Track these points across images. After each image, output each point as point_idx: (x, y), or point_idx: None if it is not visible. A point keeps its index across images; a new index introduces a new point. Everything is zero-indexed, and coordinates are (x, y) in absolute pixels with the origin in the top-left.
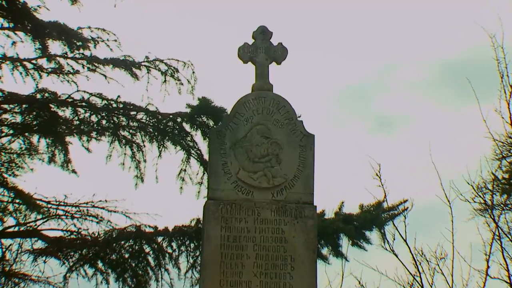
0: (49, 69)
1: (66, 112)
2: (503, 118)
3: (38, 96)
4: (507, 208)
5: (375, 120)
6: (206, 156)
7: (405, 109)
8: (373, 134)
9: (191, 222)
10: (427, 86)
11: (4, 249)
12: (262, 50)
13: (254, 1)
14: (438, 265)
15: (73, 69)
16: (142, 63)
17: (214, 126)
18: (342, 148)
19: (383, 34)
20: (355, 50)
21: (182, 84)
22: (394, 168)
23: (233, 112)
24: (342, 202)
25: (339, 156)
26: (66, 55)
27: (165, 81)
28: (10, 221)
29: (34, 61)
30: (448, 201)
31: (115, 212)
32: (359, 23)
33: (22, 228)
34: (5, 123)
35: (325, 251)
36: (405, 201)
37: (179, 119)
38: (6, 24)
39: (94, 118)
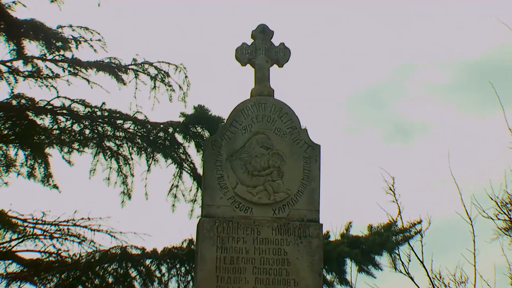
0: (26, 73)
1: (45, 121)
2: None
3: (14, 102)
4: None
5: (389, 127)
6: (200, 170)
7: (423, 115)
8: (387, 143)
9: (182, 243)
10: (447, 90)
11: None
12: (262, 51)
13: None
14: None
15: (52, 72)
16: (129, 67)
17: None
18: (351, 159)
19: (398, 31)
20: (367, 49)
21: (173, 90)
22: (410, 181)
23: (230, 120)
24: (350, 223)
25: (348, 169)
26: (44, 57)
27: (154, 87)
28: None
29: (8, 64)
30: (470, 218)
31: (98, 231)
32: (371, 20)
33: None
34: None
35: (329, 277)
36: (419, 222)
37: (170, 129)
38: None
39: (76, 128)
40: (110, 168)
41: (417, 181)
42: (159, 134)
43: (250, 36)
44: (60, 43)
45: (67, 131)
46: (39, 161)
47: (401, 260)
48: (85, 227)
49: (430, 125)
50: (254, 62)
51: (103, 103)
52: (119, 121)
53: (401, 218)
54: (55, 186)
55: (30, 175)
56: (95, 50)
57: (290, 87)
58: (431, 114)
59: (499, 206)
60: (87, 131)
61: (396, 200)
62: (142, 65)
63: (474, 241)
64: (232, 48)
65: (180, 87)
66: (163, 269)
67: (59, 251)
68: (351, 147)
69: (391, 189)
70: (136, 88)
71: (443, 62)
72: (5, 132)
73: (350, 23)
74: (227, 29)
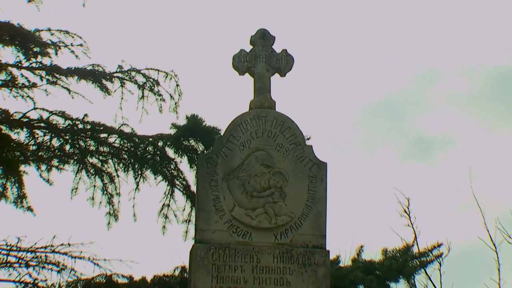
0: None
1: (21, 135)
2: None
3: None
4: None
5: (407, 143)
6: (194, 188)
7: (444, 129)
8: (404, 160)
9: (174, 270)
10: (473, 100)
11: None
12: (263, 59)
13: (252, 0)
14: None
15: (29, 81)
16: (115, 74)
17: (204, 152)
18: (362, 178)
19: (418, 35)
20: (383, 55)
21: (163, 100)
22: (428, 203)
23: (226, 135)
24: (361, 247)
25: (358, 189)
26: (20, 64)
27: (142, 96)
28: None
29: None
30: (494, 244)
31: (80, 258)
32: (387, 22)
33: None
34: None
35: None
36: (439, 245)
37: (160, 143)
38: None
39: (55, 143)
40: (94, 186)
41: (435, 202)
42: (147, 149)
43: (249, 42)
44: (38, 49)
45: (45, 147)
46: (12, 180)
47: None
48: (65, 253)
49: (452, 140)
50: (253, 70)
51: (86, 115)
52: (103, 135)
53: (417, 244)
54: (29, 208)
55: (1, 195)
56: (76, 56)
57: (293, 98)
58: (454, 128)
59: None
60: (67, 147)
61: (412, 224)
62: (129, 72)
63: (499, 270)
64: (229, 55)
65: (171, 97)
66: None
67: (36, 281)
68: (362, 165)
69: (406, 212)
70: (122, 98)
71: (469, 69)
72: None
73: (363, 27)
74: (224, 34)
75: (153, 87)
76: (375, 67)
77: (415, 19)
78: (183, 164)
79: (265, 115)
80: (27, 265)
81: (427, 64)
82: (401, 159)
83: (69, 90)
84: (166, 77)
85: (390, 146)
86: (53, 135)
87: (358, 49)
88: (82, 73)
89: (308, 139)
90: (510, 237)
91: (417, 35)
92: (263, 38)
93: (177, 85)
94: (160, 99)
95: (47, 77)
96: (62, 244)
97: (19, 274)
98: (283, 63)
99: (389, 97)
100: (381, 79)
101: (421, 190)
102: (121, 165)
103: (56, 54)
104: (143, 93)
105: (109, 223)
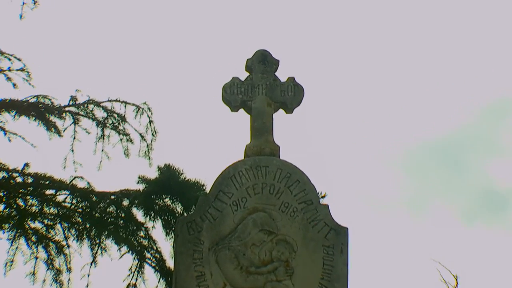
0: None
1: None
2: None
3: None
4: None
5: (470, 199)
6: (170, 262)
7: None
8: (465, 221)
9: None
10: None
11: None
12: (262, 90)
13: (251, 15)
14: None
15: None
16: (66, 108)
17: (184, 214)
18: (397, 248)
19: (483, 55)
20: (435, 82)
21: (131, 141)
22: (483, 281)
23: (214, 192)
24: None
25: (390, 262)
26: None
27: (102, 136)
28: None
29: None
30: None
31: None
32: (438, 40)
33: None
34: None
35: None
36: None
37: (126, 202)
38: None
39: None
40: (36, 259)
41: (493, 282)
42: (108, 209)
43: (245, 67)
44: None
45: None
46: None
47: None
48: None
49: None
50: (250, 105)
51: (26, 165)
52: (49, 191)
53: None
54: None
55: None
56: (14, 85)
57: (304, 141)
58: None
59: None
60: (1, 207)
61: None
62: (85, 105)
63: None
64: (219, 84)
65: (142, 137)
66: None
67: None
68: (396, 229)
69: None
70: (74, 139)
71: None
72: None
73: (404, 42)
74: (212, 57)
75: (117, 124)
76: (423, 97)
77: (481, 33)
78: (156, 230)
79: (266, 165)
80: None
81: (497, 93)
82: (461, 221)
83: (4, 130)
84: (136, 111)
85: (446, 203)
86: None
87: (398, 72)
88: (21, 107)
89: (323, 196)
90: None
91: (483, 53)
92: (263, 63)
93: (150, 121)
94: (127, 140)
95: None
96: None
97: None
98: (290, 96)
99: (444, 137)
100: (433, 112)
101: (477, 263)
102: (72, 231)
103: None
104: (103, 131)
105: None
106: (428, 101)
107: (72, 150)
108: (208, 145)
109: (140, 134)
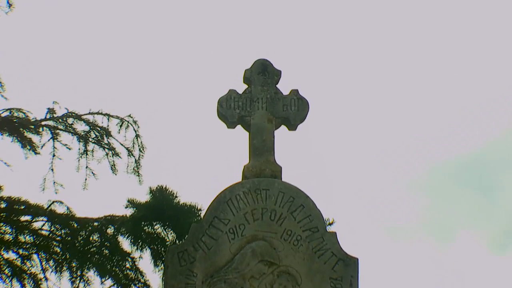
0: None
1: None
2: None
3: None
4: None
5: (496, 225)
6: None
7: None
8: (496, 251)
9: None
10: None
11: None
12: (262, 104)
13: (249, 20)
14: None
15: None
16: (43, 122)
17: (176, 243)
18: (418, 281)
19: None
20: (460, 91)
21: (118, 155)
22: None
23: (209, 218)
24: None
25: None
26: None
27: (85, 151)
28: None
29: None
30: None
31: None
32: (463, 53)
33: None
34: None
35: None
36: None
37: (111, 230)
38: None
39: None
40: None
41: None
42: (91, 238)
43: (243, 78)
44: None
45: None
46: None
47: None
48: None
49: None
50: (248, 121)
51: None
52: (24, 217)
53: None
54: None
55: None
56: None
57: (309, 161)
58: None
59: None
60: None
61: None
62: (64, 119)
63: None
64: (214, 98)
65: (129, 152)
66: None
67: None
68: (417, 259)
69: None
70: (53, 156)
71: None
72: None
73: (429, 57)
74: (206, 67)
75: (100, 139)
76: (448, 109)
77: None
78: (144, 260)
79: (267, 188)
80: None
81: None
82: (492, 249)
83: None
84: (121, 124)
85: (475, 230)
86: None
87: (418, 82)
88: None
89: (330, 223)
90: None
91: None
92: (263, 74)
93: (137, 136)
94: (113, 154)
95: None
96: None
97: None
98: (293, 110)
99: (472, 155)
100: (459, 127)
101: None
102: (51, 262)
103: None
104: (85, 147)
105: None
106: (454, 114)
107: (52, 169)
108: (202, 165)
109: (127, 149)
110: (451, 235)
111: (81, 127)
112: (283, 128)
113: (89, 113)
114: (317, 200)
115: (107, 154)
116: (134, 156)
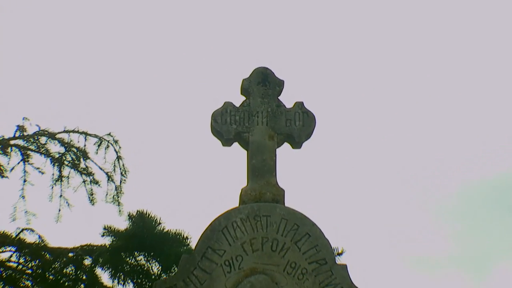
0: None
1: None
2: None
3: None
4: None
5: None
6: None
7: None
8: None
9: None
10: None
11: None
12: (263, 119)
13: (248, 23)
14: None
15: None
16: (12, 141)
17: (162, 276)
18: None
19: None
20: (488, 103)
21: (97, 183)
22: None
23: (201, 247)
24: None
25: None
26: None
27: (60, 177)
28: None
29: None
30: None
31: None
32: (485, 67)
33: None
34: None
35: None
36: None
37: (87, 260)
38: None
39: None
40: None
41: None
42: (66, 270)
43: (240, 89)
44: None
45: None
46: None
47: None
48: None
49: None
50: (247, 138)
51: None
52: None
53: None
54: None
55: None
56: None
57: (316, 183)
58: None
59: None
60: None
61: None
62: (36, 137)
63: None
64: (207, 111)
65: (109, 177)
66: None
67: None
68: None
69: None
70: (24, 181)
71: None
72: None
73: (449, 71)
74: (199, 77)
75: (77, 162)
76: (479, 124)
77: None
78: None
79: (267, 214)
80: None
81: None
82: None
83: None
84: (99, 144)
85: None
86: None
87: (443, 99)
88: None
89: (340, 253)
90: None
91: None
92: (263, 84)
93: (119, 157)
94: (91, 181)
95: None
96: None
97: None
98: (298, 126)
99: (503, 176)
100: (494, 144)
101: None
102: None
103: None
104: (60, 171)
105: None
106: (487, 129)
107: (23, 196)
108: (193, 189)
109: (107, 173)
110: (487, 267)
111: (55, 147)
112: (286, 145)
113: (64, 131)
114: (325, 228)
115: (84, 182)
116: (114, 182)
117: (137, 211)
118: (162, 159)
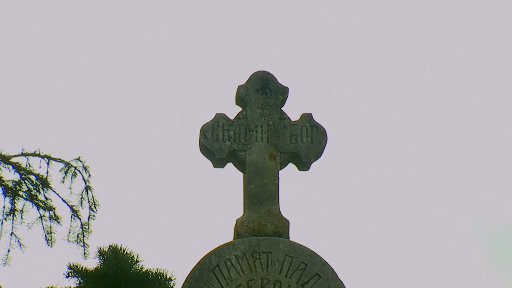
0: None
1: None
2: None
3: None
4: None
5: None
6: None
7: None
8: None
9: None
10: None
11: None
12: (263, 134)
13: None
14: None
15: None
16: None
17: None
18: None
19: None
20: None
21: (58, 219)
22: None
23: None
24: None
25: None
26: None
27: (13, 211)
28: None
29: None
30: None
31: None
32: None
33: None
34: None
35: None
36: None
37: None
38: None
39: None
40: None
41: None
42: None
43: (235, 98)
44: None
45: None
46: None
47: None
48: None
49: None
50: (243, 158)
51: None
52: None
53: None
54: None
55: None
56: None
57: (326, 211)
58: None
59: None
60: None
61: None
62: None
63: None
64: (196, 125)
65: (75, 212)
66: None
67: None
68: None
69: None
70: None
71: None
72: None
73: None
74: (186, 86)
75: (35, 193)
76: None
77: None
78: None
79: (268, 250)
80: None
81: None
82: None
83: None
84: (66, 171)
85: None
86: None
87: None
88: None
89: None
90: None
91: None
92: (263, 91)
93: (88, 188)
94: (51, 217)
95: None
96: None
97: None
98: (305, 143)
99: None
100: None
101: None
102: None
103: None
104: (13, 204)
105: None
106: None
107: None
108: (179, 220)
109: (72, 207)
110: None
111: (9, 174)
112: (291, 166)
113: (22, 154)
114: (338, 267)
115: (42, 217)
116: (80, 218)
117: (110, 246)
118: (140, 185)
